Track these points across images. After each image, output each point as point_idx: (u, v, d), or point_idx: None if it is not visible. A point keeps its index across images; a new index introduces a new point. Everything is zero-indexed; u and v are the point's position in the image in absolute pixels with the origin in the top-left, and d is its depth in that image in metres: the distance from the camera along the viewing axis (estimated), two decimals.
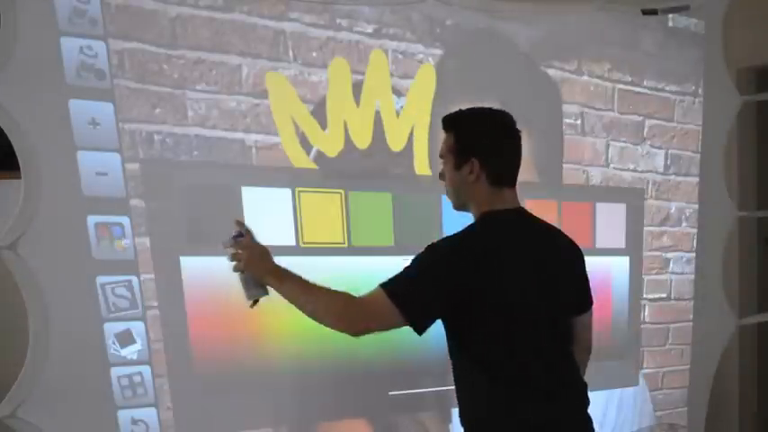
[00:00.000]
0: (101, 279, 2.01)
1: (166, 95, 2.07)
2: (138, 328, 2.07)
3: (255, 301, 1.66)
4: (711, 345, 2.92)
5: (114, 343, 2.04)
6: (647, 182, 2.85)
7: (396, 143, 2.36)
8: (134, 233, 2.05)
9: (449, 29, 2.44)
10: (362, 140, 2.32)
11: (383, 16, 2.33)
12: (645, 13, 2.72)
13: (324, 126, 2.27)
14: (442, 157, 1.69)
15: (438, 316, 1.59)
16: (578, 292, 1.76)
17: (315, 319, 1.60)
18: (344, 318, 1.57)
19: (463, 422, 1.68)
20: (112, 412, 2.05)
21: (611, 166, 2.77)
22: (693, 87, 2.90)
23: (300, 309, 1.61)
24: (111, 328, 2.04)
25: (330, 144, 2.28)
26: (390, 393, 2.41)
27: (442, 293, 1.54)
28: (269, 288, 1.64)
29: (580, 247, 1.77)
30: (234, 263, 1.64)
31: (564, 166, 2.66)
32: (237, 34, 2.14)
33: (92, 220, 1.99)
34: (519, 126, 1.70)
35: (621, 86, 2.75)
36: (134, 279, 2.05)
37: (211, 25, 2.10)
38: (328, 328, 1.59)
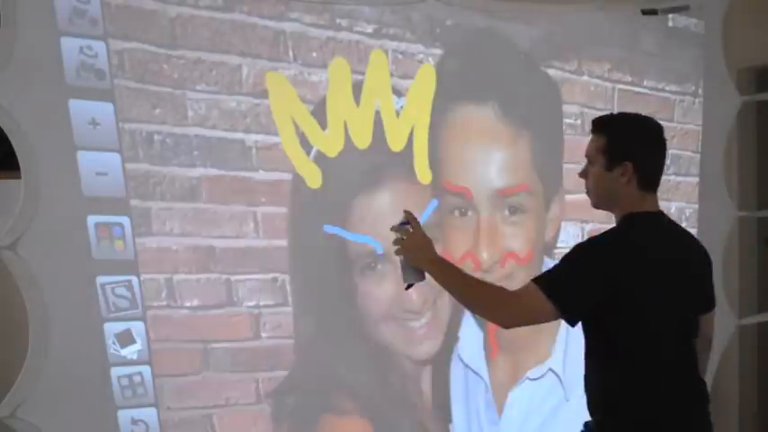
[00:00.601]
0: (101, 279, 2.01)
1: (166, 95, 2.07)
2: (138, 328, 2.07)
3: (410, 285, 1.77)
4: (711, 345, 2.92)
5: (114, 343, 2.04)
6: None
7: (396, 143, 2.36)
8: (134, 233, 2.05)
9: (449, 29, 2.44)
10: (362, 140, 2.31)
11: (383, 16, 2.33)
12: (645, 13, 2.72)
13: (324, 126, 2.27)
14: (588, 156, 1.73)
15: (590, 310, 1.65)
16: (705, 293, 1.83)
17: (471, 309, 1.75)
18: (502, 311, 1.67)
19: (594, 413, 1.74)
20: (112, 412, 2.05)
21: None
22: (693, 87, 2.90)
23: (458, 298, 1.74)
24: (111, 328, 2.03)
25: (330, 144, 2.28)
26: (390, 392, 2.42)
27: (593, 288, 1.60)
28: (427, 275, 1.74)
29: None
30: (396, 248, 1.75)
31: (564, 166, 2.66)
32: (237, 34, 2.14)
33: (92, 220, 1.99)
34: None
35: (621, 86, 2.75)
36: (134, 279, 2.05)
37: (211, 25, 2.10)
38: None
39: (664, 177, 1.71)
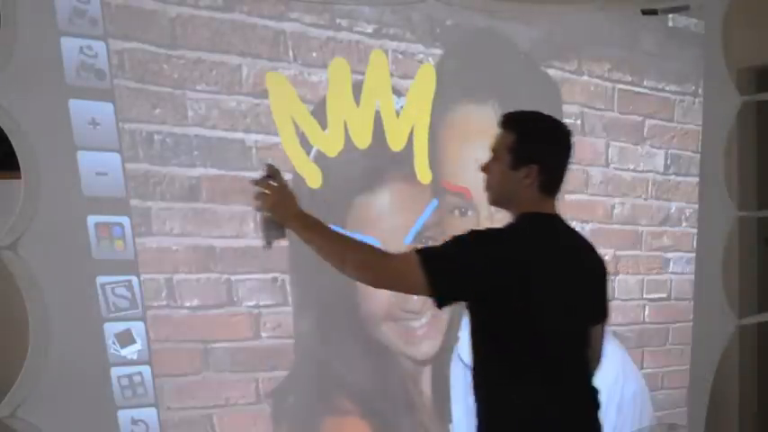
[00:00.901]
0: (101, 279, 2.01)
1: (166, 95, 2.07)
2: (138, 328, 2.07)
3: (269, 243, 1.67)
4: (711, 345, 2.92)
5: (114, 343, 2.04)
6: (647, 182, 2.85)
7: (396, 143, 2.36)
8: (134, 233, 2.05)
9: (449, 29, 2.44)
10: (362, 140, 2.32)
11: (383, 16, 2.33)
12: (645, 13, 2.72)
13: (324, 126, 2.27)
14: (493, 150, 1.69)
15: (462, 298, 1.61)
16: (598, 303, 1.79)
17: (338, 268, 1.61)
18: (371, 269, 1.59)
19: (479, 418, 1.69)
20: (112, 412, 2.05)
21: (612, 166, 2.77)
22: (693, 87, 2.90)
23: (324, 257, 1.62)
24: (111, 328, 2.03)
25: (330, 144, 2.28)
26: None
27: (473, 276, 1.55)
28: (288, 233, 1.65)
29: None
30: (258, 202, 1.65)
31: None
32: (237, 34, 2.14)
33: (92, 220, 1.99)
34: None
35: (621, 86, 2.75)
36: (134, 279, 2.05)
37: (211, 25, 2.10)
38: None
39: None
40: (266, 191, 1.64)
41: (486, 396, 1.67)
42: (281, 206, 1.63)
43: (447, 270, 1.55)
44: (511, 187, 1.66)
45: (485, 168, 1.70)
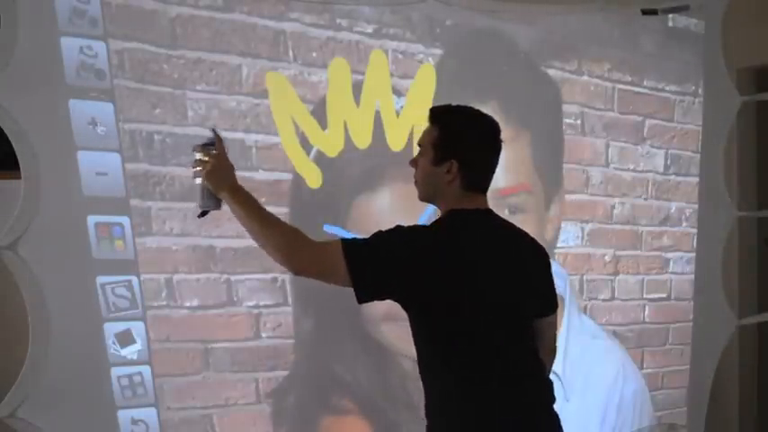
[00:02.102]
0: (101, 279, 2.01)
1: (166, 95, 2.07)
2: (138, 328, 2.07)
3: (204, 213, 1.65)
4: (711, 345, 2.92)
5: (114, 343, 2.04)
6: (647, 182, 2.85)
7: (396, 143, 2.36)
8: (134, 233, 2.05)
9: (449, 29, 2.44)
10: (362, 140, 2.32)
11: (383, 16, 2.33)
12: (645, 13, 2.72)
13: (324, 126, 2.27)
14: (420, 145, 1.68)
15: (384, 294, 1.59)
16: (541, 295, 1.75)
17: (261, 245, 1.58)
18: (291, 252, 1.55)
19: (426, 413, 1.67)
20: (112, 412, 2.05)
21: (612, 166, 2.77)
22: (693, 87, 2.90)
23: (249, 232, 1.59)
24: (111, 328, 2.03)
25: (330, 144, 2.28)
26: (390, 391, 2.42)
27: (395, 273, 1.53)
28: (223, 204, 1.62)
29: None
30: (196, 169, 1.62)
31: (564, 166, 2.66)
32: (237, 34, 2.14)
33: (92, 220, 1.99)
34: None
35: (621, 86, 2.75)
36: (134, 279, 2.05)
37: (211, 25, 2.10)
38: None
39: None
40: (205, 158, 1.61)
41: (429, 395, 1.64)
42: (215, 175, 1.60)
43: (368, 263, 1.52)
44: (434, 182, 1.64)
45: (413, 163, 1.68)
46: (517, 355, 1.64)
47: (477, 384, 1.58)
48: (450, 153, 1.60)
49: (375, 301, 1.61)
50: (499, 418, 1.58)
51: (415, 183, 1.69)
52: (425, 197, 1.69)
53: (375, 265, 1.53)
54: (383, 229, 1.57)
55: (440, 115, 1.67)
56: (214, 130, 1.66)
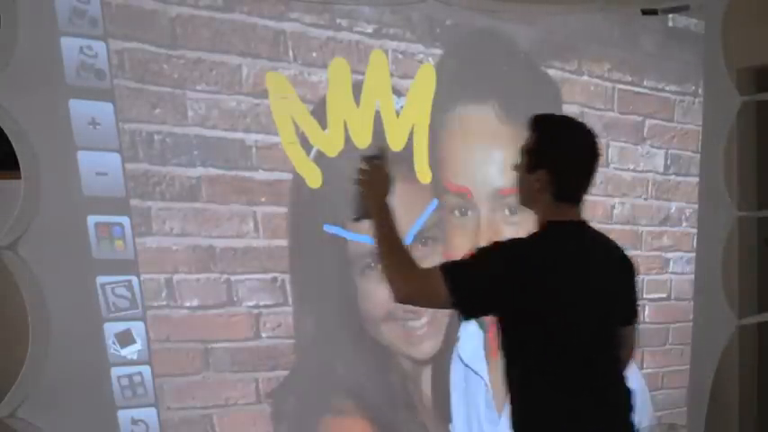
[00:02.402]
0: (101, 279, 2.01)
1: (166, 95, 2.07)
2: (138, 328, 2.07)
3: (357, 218, 1.80)
4: (711, 345, 2.92)
5: (114, 343, 2.04)
6: (647, 182, 2.85)
7: (396, 143, 2.36)
8: (134, 233, 2.05)
9: (449, 29, 2.44)
10: (362, 140, 2.31)
11: (383, 16, 2.33)
12: (645, 13, 2.72)
13: (324, 126, 2.27)
14: (520, 151, 1.70)
15: (486, 309, 1.64)
16: (627, 304, 1.80)
17: (381, 262, 1.69)
18: (399, 284, 1.63)
19: (513, 422, 1.70)
20: (112, 412, 2.05)
21: (611, 166, 2.77)
22: (693, 87, 2.90)
23: (378, 253, 1.70)
24: (111, 328, 2.04)
25: (330, 144, 2.28)
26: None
27: (494, 289, 1.57)
28: None
29: None
30: (356, 177, 1.75)
31: None
32: (237, 34, 2.13)
33: (92, 220, 1.99)
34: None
35: (621, 86, 2.75)
36: (134, 279, 2.05)
37: (211, 25, 2.10)
38: None
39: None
40: (366, 168, 1.74)
41: (519, 403, 1.68)
42: (374, 189, 1.73)
43: (468, 285, 1.58)
44: (526, 190, 1.67)
45: (514, 168, 1.72)
46: (604, 364, 1.69)
47: (566, 393, 1.62)
48: (542, 162, 1.63)
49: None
50: (587, 426, 1.62)
51: (516, 187, 1.73)
52: (521, 202, 1.73)
53: (473, 285, 1.58)
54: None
55: (538, 123, 1.69)
56: (381, 147, 1.83)
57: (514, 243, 1.64)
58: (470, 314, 1.65)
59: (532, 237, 1.66)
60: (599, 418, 1.64)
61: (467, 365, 2.51)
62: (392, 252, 1.67)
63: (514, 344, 1.66)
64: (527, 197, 1.69)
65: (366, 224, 1.85)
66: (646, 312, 2.91)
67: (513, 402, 1.69)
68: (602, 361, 1.68)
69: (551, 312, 1.58)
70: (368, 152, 1.74)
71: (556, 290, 1.58)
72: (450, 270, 1.58)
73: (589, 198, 2.39)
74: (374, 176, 1.73)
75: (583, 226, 1.71)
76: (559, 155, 1.64)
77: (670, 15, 2.79)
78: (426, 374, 2.50)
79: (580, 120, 1.76)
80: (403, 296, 1.65)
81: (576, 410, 1.61)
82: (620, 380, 1.75)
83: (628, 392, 1.75)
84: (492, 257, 1.60)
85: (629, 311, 1.81)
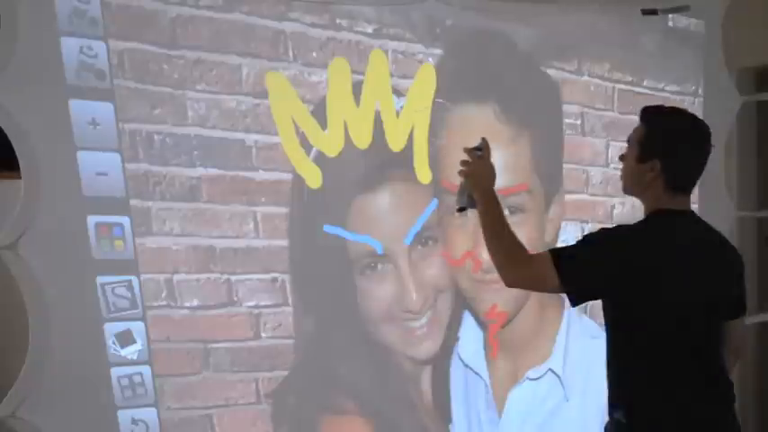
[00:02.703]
0: (101, 279, 2.01)
1: (166, 95, 2.07)
2: (138, 328, 2.07)
3: (461, 209, 1.86)
4: None
5: (114, 343, 2.04)
6: None
7: (396, 143, 2.36)
8: (134, 233, 2.05)
9: (449, 29, 2.44)
10: (362, 140, 2.31)
11: (383, 16, 2.33)
12: (645, 13, 2.72)
13: (324, 126, 2.27)
14: (628, 142, 1.74)
15: (594, 294, 1.69)
16: (734, 298, 1.82)
17: (489, 250, 1.75)
18: (507, 268, 1.71)
19: (613, 410, 1.74)
20: (112, 412, 2.05)
21: (611, 166, 2.77)
22: (693, 87, 2.90)
23: (484, 235, 1.76)
24: (111, 328, 2.04)
25: (330, 144, 2.28)
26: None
27: (603, 274, 1.62)
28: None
29: None
30: (460, 169, 1.81)
31: (564, 166, 2.66)
32: (237, 34, 2.13)
33: (92, 220, 1.99)
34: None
35: (621, 86, 2.75)
36: (134, 279, 2.05)
37: (211, 25, 2.10)
38: None
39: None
40: (470, 160, 1.80)
41: (621, 392, 1.72)
42: (479, 178, 1.79)
43: (577, 270, 1.63)
44: (637, 179, 1.71)
45: (621, 157, 1.76)
46: (709, 355, 1.72)
47: (672, 385, 1.65)
48: (654, 152, 1.67)
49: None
50: (694, 420, 1.65)
51: (620, 177, 1.77)
52: (627, 191, 1.78)
53: (582, 271, 1.63)
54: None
55: (649, 114, 1.74)
56: (484, 139, 1.85)
57: (622, 228, 1.69)
58: (580, 299, 1.68)
59: (641, 223, 1.71)
60: (706, 411, 1.67)
61: (467, 365, 2.51)
62: (501, 238, 1.72)
63: (621, 330, 1.69)
64: (637, 186, 1.73)
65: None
66: None
67: (616, 387, 1.73)
68: (707, 352, 1.70)
69: (657, 299, 1.61)
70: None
71: (661, 274, 1.61)
72: (560, 256, 1.64)
73: (589, 198, 2.40)
74: (479, 167, 1.78)
75: (692, 216, 1.75)
76: (673, 145, 1.68)
77: (670, 15, 2.79)
78: (426, 374, 2.50)
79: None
80: (512, 281, 1.72)
81: (684, 404, 1.65)
82: (724, 371, 1.76)
83: (730, 384, 1.77)
84: (600, 243, 1.65)
85: (736, 305, 1.82)
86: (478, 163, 1.80)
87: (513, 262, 1.69)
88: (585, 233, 1.72)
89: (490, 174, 1.80)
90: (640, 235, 1.67)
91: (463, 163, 1.80)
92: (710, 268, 1.70)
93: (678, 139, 1.69)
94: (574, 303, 1.68)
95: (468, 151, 1.82)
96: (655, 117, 1.73)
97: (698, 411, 1.66)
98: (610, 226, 1.71)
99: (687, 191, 1.73)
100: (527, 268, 1.68)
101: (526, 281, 1.73)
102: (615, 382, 1.74)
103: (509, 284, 1.74)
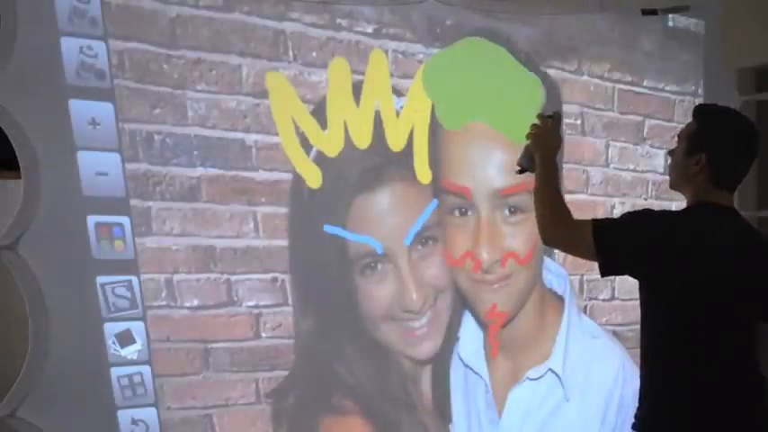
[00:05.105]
0: (101, 279, 2.01)
1: (166, 95, 2.07)
2: (138, 328, 2.07)
3: (521, 171, 1.88)
4: None
5: (114, 343, 2.04)
6: (647, 182, 2.84)
7: (396, 143, 2.36)
8: (134, 233, 2.05)
9: (449, 29, 2.44)
10: (362, 140, 2.31)
11: (383, 16, 2.33)
12: (645, 13, 2.72)
13: (324, 126, 2.27)
14: (678, 137, 1.80)
15: (622, 267, 1.75)
16: (765, 301, 1.79)
17: (536, 210, 1.81)
18: (547, 226, 1.77)
19: (642, 397, 1.79)
20: (112, 412, 2.05)
21: (612, 166, 2.77)
22: (693, 87, 2.90)
23: (535, 196, 1.82)
24: (111, 328, 2.04)
25: (330, 144, 2.28)
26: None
27: (635, 250, 1.67)
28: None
29: None
30: (528, 132, 1.84)
31: (564, 166, 2.66)
32: (237, 34, 2.14)
33: (92, 220, 1.99)
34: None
35: (621, 86, 2.75)
36: (134, 279, 2.05)
37: (211, 25, 2.10)
38: None
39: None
40: (539, 124, 1.83)
41: (643, 388, 1.77)
42: (543, 141, 1.82)
43: (612, 241, 1.69)
44: (683, 172, 1.76)
45: (670, 152, 1.82)
46: (739, 352, 1.72)
47: (698, 381, 1.67)
48: (702, 146, 1.72)
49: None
50: (705, 411, 1.68)
51: (669, 171, 1.83)
52: (673, 185, 1.83)
53: (619, 244, 1.69)
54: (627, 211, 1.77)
55: (701, 111, 1.81)
56: (557, 111, 1.91)
57: (664, 212, 1.75)
58: (608, 270, 1.73)
59: (682, 210, 1.76)
60: (731, 407, 1.69)
61: (467, 365, 2.51)
62: (552, 200, 1.77)
63: (651, 313, 1.73)
64: (681, 179, 1.78)
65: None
66: None
67: (646, 376, 1.76)
68: (737, 349, 1.71)
69: (685, 285, 1.64)
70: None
71: (691, 261, 1.64)
72: (600, 225, 1.71)
73: (589, 198, 2.41)
74: (546, 133, 1.82)
75: (733, 212, 1.77)
76: (720, 142, 1.72)
77: (670, 15, 2.79)
78: (426, 374, 2.49)
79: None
80: (551, 238, 1.80)
81: (704, 396, 1.67)
82: (757, 371, 1.76)
83: (760, 386, 1.76)
84: (639, 220, 1.70)
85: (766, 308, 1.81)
86: (548, 128, 1.83)
87: (556, 220, 1.75)
88: (630, 210, 1.77)
89: (554, 141, 1.84)
90: (678, 220, 1.72)
91: (533, 126, 1.84)
92: (745, 265, 1.70)
93: (726, 136, 1.73)
94: (603, 273, 1.74)
95: (541, 117, 1.86)
96: (706, 114, 1.78)
97: (723, 406, 1.68)
98: (652, 209, 1.77)
99: (730, 188, 1.76)
100: (567, 228, 1.74)
101: (564, 240, 1.79)
102: (643, 370, 1.78)
103: (546, 241, 1.81)
